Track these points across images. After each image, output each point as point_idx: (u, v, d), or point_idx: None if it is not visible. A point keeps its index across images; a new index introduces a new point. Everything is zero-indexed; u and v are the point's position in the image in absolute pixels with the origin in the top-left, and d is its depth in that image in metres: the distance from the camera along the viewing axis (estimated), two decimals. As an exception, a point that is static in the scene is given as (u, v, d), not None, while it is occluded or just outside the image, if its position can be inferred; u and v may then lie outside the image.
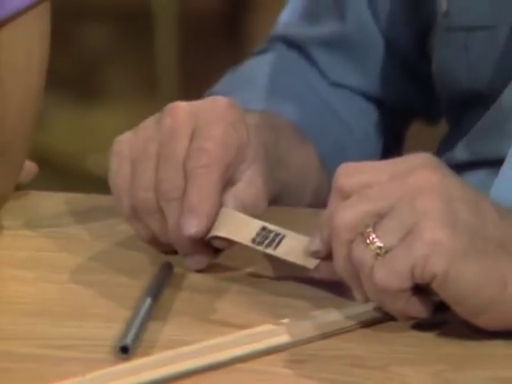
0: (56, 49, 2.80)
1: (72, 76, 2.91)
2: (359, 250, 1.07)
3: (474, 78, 1.32)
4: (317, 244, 1.11)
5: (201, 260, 1.21)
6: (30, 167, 1.34)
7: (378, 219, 1.07)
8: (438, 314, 1.09)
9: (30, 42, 1.25)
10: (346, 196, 1.09)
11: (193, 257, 1.20)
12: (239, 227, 1.18)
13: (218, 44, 2.81)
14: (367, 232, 1.06)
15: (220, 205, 1.19)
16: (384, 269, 1.05)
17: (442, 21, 1.33)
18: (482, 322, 1.06)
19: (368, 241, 1.06)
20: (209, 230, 1.18)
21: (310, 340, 1.10)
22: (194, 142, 1.19)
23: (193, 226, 1.17)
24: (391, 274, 1.05)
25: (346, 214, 1.08)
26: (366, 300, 1.10)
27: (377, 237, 1.06)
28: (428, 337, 1.09)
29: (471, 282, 1.04)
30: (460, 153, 1.34)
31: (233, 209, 1.20)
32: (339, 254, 1.09)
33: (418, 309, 1.08)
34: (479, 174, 1.31)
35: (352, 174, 1.11)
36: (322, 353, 1.10)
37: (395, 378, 1.07)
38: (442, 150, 1.40)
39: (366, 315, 1.12)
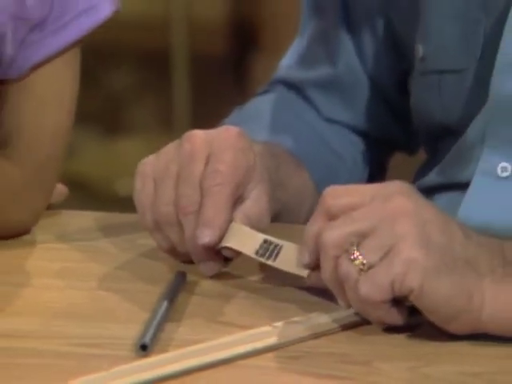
0: (87, 89, 2.80)
1: (101, 112, 2.91)
2: (345, 265, 1.06)
3: (446, 114, 1.31)
4: (306, 258, 1.11)
5: (213, 267, 1.20)
6: (61, 189, 1.33)
7: (361, 239, 1.06)
8: (413, 318, 1.09)
9: (62, 82, 1.24)
10: (332, 216, 1.09)
11: (206, 264, 1.20)
12: (245, 240, 1.18)
13: (226, 83, 2.80)
14: (352, 249, 1.06)
15: (231, 219, 1.19)
16: (368, 283, 1.05)
17: (419, 65, 1.33)
18: (452, 328, 1.06)
19: (353, 257, 1.06)
20: (220, 240, 1.18)
21: (302, 340, 1.10)
22: (209, 165, 1.19)
23: (207, 236, 1.16)
24: (374, 288, 1.05)
25: (333, 233, 1.08)
26: (349, 307, 1.10)
27: (360, 254, 1.06)
28: (405, 337, 1.09)
29: (442, 294, 1.04)
30: (434, 177, 1.34)
31: (241, 223, 1.20)
32: (327, 267, 1.09)
33: (394, 317, 1.08)
34: (450, 195, 1.31)
35: (338, 196, 1.10)
36: (314, 350, 1.10)
37: (377, 372, 1.06)
38: (419, 174, 1.40)
39: (348, 319, 1.12)
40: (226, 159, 1.19)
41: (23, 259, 1.25)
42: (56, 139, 1.27)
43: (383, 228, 1.06)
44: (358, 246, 1.06)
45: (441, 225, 1.07)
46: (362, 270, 1.06)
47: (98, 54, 2.63)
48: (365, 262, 1.05)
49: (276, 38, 2.76)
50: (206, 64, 2.72)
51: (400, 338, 1.09)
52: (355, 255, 1.06)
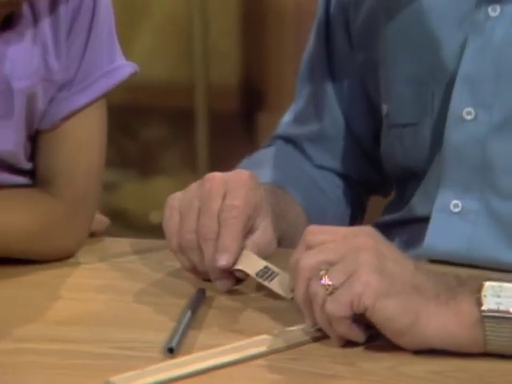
0: (128, 139, 2.81)
1: (138, 157, 2.93)
2: (315, 286, 1.06)
3: (408, 160, 1.30)
4: (290, 283, 1.10)
5: (227, 284, 1.19)
6: (103, 220, 1.32)
7: (330, 266, 1.05)
8: (369, 331, 1.08)
9: (91, 128, 1.23)
10: (310, 248, 1.09)
11: (221, 281, 1.19)
12: (251, 264, 1.17)
13: (238, 136, 2.81)
14: (321, 274, 1.05)
15: (243, 246, 1.18)
16: (332, 302, 1.04)
17: (385, 121, 1.32)
18: (402, 342, 1.05)
19: (322, 280, 1.05)
20: (234, 263, 1.17)
21: (298, 344, 1.10)
22: (225, 201, 1.17)
23: (224, 260, 1.16)
24: (337, 306, 1.04)
25: (308, 260, 1.07)
26: (314, 325, 1.09)
27: (328, 278, 1.05)
28: (384, 342, 1.08)
29: (391, 312, 1.03)
30: (401, 213, 1.33)
31: (251, 251, 1.18)
32: (299, 287, 1.08)
33: (354, 333, 1.07)
34: (414, 227, 1.28)
35: (316, 233, 1.09)
36: (309, 352, 1.09)
37: (360, 370, 1.06)
38: (388, 210, 1.39)
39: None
40: (239, 196, 1.18)
41: (69, 277, 1.24)
42: (90, 176, 1.25)
43: (348, 257, 1.05)
44: (326, 271, 1.05)
45: (395, 257, 1.07)
46: (327, 290, 1.05)
47: (136, 111, 2.65)
48: (330, 283, 1.05)
49: (278, 101, 2.77)
50: (222, 120, 2.73)
51: (379, 343, 1.08)
52: (324, 279, 1.05)
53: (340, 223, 1.37)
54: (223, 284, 1.19)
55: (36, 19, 1.18)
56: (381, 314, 1.04)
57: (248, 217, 1.18)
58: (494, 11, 1.18)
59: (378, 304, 1.03)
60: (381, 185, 1.43)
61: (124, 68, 1.24)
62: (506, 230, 1.21)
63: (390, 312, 1.04)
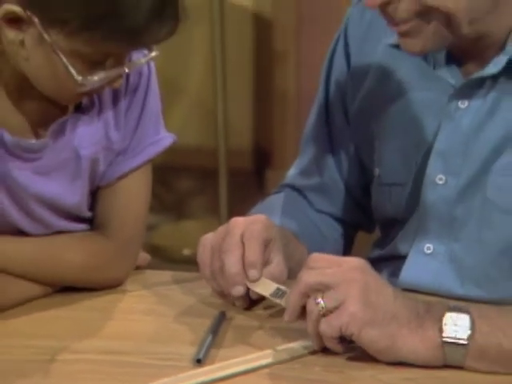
0: (164, 191, 2.80)
1: (173, 204, 2.90)
2: (311, 304, 1.05)
3: (394, 211, 1.28)
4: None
5: (244, 304, 1.17)
6: (145, 256, 1.31)
7: (325, 289, 1.04)
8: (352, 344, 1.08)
9: (139, 184, 1.23)
10: (311, 269, 1.08)
11: (241, 302, 1.17)
12: (266, 287, 1.15)
13: (251, 187, 2.81)
14: (317, 294, 1.04)
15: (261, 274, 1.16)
16: (325, 324, 1.04)
17: (376, 180, 1.31)
18: (382, 358, 1.05)
19: (317, 300, 1.04)
20: (260, 275, 1.15)
21: (298, 357, 1.09)
22: (245, 233, 1.15)
23: (254, 276, 1.13)
24: (329, 328, 1.04)
25: (308, 278, 1.06)
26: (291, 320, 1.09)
27: (322, 299, 1.04)
28: (367, 354, 1.06)
29: (372, 338, 1.03)
30: (386, 251, 1.31)
31: (267, 278, 1.15)
32: (294, 295, 1.08)
33: (338, 348, 1.07)
34: (395, 263, 1.26)
35: (318, 260, 1.09)
36: (306, 362, 1.08)
37: (348, 377, 1.05)
38: (376, 247, 1.37)
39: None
40: (258, 224, 1.17)
41: (119, 302, 1.22)
42: (137, 222, 1.24)
43: (340, 287, 1.04)
44: (323, 293, 1.04)
45: (378, 289, 1.05)
46: (320, 311, 1.04)
47: (172, 169, 2.64)
48: (324, 306, 1.04)
49: (282, 162, 2.77)
50: (239, 176, 2.74)
51: (363, 355, 1.06)
52: (318, 300, 1.04)
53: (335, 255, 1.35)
54: (241, 303, 1.17)
55: (100, 101, 1.18)
56: (364, 339, 1.04)
57: (265, 241, 1.16)
58: (462, 104, 1.18)
59: (363, 332, 1.03)
60: (367, 225, 1.41)
61: (166, 138, 1.23)
62: (461, 271, 1.20)
63: (371, 338, 1.04)
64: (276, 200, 1.37)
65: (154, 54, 1.11)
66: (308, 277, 1.06)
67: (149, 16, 1.03)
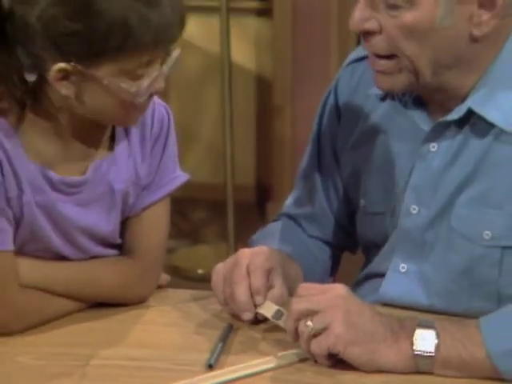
0: (180, 220, 2.79)
1: (189, 231, 2.88)
2: (302, 326, 1.05)
3: (376, 236, 1.27)
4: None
5: (250, 317, 1.13)
6: (165, 277, 1.29)
7: (313, 313, 1.04)
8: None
9: (160, 214, 1.22)
10: (300, 298, 1.08)
11: (246, 315, 1.13)
12: (269, 309, 1.13)
13: (254, 216, 2.79)
14: (307, 318, 1.04)
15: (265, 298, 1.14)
16: (315, 344, 1.04)
17: (361, 210, 1.29)
18: (364, 369, 1.04)
19: (307, 323, 1.04)
20: (265, 299, 1.13)
21: (295, 363, 1.08)
22: (253, 266, 1.13)
23: (259, 301, 1.12)
24: (318, 348, 1.04)
25: (298, 306, 1.06)
26: (295, 340, 1.08)
27: (311, 322, 1.04)
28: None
29: (355, 354, 1.03)
30: (368, 270, 1.29)
31: (270, 300, 1.13)
32: (289, 322, 1.07)
33: (326, 362, 1.05)
34: (376, 280, 1.24)
35: (305, 289, 1.08)
36: (302, 368, 1.07)
37: (338, 381, 1.04)
38: (361, 269, 1.34)
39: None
40: (261, 256, 1.15)
41: (143, 316, 1.20)
42: (159, 248, 1.23)
43: (326, 312, 1.04)
44: (311, 317, 1.04)
45: (358, 312, 1.05)
46: (310, 332, 1.04)
47: (188, 201, 2.64)
48: (313, 327, 1.04)
49: (280, 196, 2.76)
50: (244, 208, 2.72)
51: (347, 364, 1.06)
52: (308, 323, 1.04)
53: (324, 274, 1.34)
54: (247, 317, 1.14)
55: (130, 145, 1.17)
56: (349, 356, 1.04)
57: (267, 270, 1.14)
58: (433, 148, 1.17)
59: (347, 350, 1.03)
60: (351, 246, 1.38)
61: (182, 176, 1.22)
62: (428, 287, 1.18)
63: (355, 354, 1.03)
64: (274, 227, 1.35)
65: (176, 52, 1.09)
66: (298, 304, 1.06)
67: (160, 27, 1.03)
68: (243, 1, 2.67)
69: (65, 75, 1.04)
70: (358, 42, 1.23)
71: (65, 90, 1.05)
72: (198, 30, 2.72)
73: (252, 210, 2.85)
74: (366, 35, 1.10)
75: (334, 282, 1.30)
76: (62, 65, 1.03)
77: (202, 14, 2.67)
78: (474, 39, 1.09)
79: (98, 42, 1.02)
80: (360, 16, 1.08)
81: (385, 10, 1.07)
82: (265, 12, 2.71)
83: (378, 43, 1.10)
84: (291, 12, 2.58)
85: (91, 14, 1.00)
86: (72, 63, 1.03)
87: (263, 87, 2.83)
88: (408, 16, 1.06)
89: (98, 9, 1.00)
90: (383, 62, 1.11)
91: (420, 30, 1.07)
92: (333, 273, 1.37)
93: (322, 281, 1.21)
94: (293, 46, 2.63)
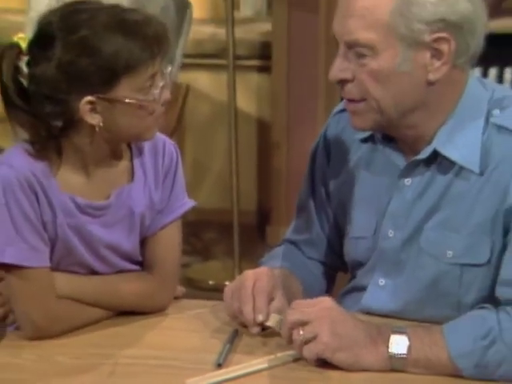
0: (192, 238, 2.75)
1: (200, 249, 2.83)
2: (296, 335, 1.04)
3: (358, 256, 1.24)
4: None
5: (258, 330, 1.11)
6: (181, 289, 1.26)
7: (303, 324, 1.03)
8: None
9: (174, 234, 1.20)
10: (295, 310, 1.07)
11: (254, 329, 1.11)
12: (272, 319, 1.10)
13: (257, 240, 2.75)
14: (299, 328, 1.03)
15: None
16: (307, 351, 1.03)
17: (347, 235, 1.26)
18: (349, 369, 1.03)
19: (300, 332, 1.03)
20: (267, 319, 1.10)
21: (289, 362, 1.07)
22: (256, 283, 1.12)
23: (261, 317, 1.10)
24: (310, 354, 1.03)
25: (291, 317, 1.05)
26: (290, 343, 1.06)
27: (303, 331, 1.03)
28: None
29: (342, 358, 1.03)
30: (353, 284, 1.27)
31: (273, 311, 1.11)
32: (284, 331, 1.06)
33: (316, 364, 1.04)
34: (359, 293, 1.22)
35: (298, 304, 1.07)
36: (296, 368, 1.05)
37: (326, 376, 1.03)
38: (347, 283, 1.31)
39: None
40: (264, 278, 1.13)
41: (162, 322, 1.18)
42: (174, 263, 1.20)
43: (315, 322, 1.03)
44: (302, 326, 1.03)
45: (342, 321, 1.04)
46: (302, 340, 1.03)
47: (199, 225, 2.61)
48: (304, 336, 1.03)
49: (278, 221, 2.75)
50: (247, 231, 2.69)
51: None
52: (301, 332, 1.03)
53: (321, 289, 1.30)
54: (255, 331, 1.12)
55: (146, 177, 1.16)
56: (336, 360, 1.03)
57: (270, 292, 1.12)
58: (407, 182, 1.15)
59: (334, 356, 1.03)
60: (343, 267, 1.33)
61: (189, 203, 1.21)
62: (401, 298, 1.17)
63: (340, 359, 1.03)
64: (278, 250, 1.33)
65: (169, 68, 1.10)
66: (291, 316, 1.05)
67: (153, 44, 1.05)
68: (246, 60, 2.69)
69: (92, 107, 1.05)
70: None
71: (94, 119, 1.06)
72: (209, 83, 2.74)
73: (254, 232, 2.82)
74: (341, 83, 1.10)
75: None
76: (87, 98, 1.04)
77: (214, 70, 2.69)
78: (430, 83, 1.07)
79: (109, 68, 1.03)
80: (337, 68, 1.09)
81: (356, 60, 1.07)
82: (265, 69, 2.73)
83: (351, 90, 1.09)
84: (286, 69, 2.61)
85: (98, 48, 1.02)
86: (95, 94, 1.04)
87: (263, 129, 2.83)
88: (373, 63, 1.06)
89: (101, 43, 1.03)
90: (355, 105, 1.11)
91: (383, 75, 1.06)
92: (328, 290, 1.34)
93: (319, 295, 1.16)
94: (287, 96, 2.65)
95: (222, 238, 2.73)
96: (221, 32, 2.50)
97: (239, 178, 2.49)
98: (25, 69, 1.07)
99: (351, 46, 1.07)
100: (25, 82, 1.07)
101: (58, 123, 1.08)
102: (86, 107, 1.05)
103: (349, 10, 1.06)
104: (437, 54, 1.06)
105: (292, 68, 2.61)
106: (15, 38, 1.06)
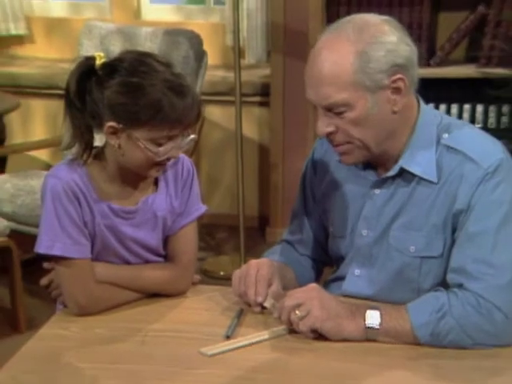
0: (208, 238, 2.71)
1: (214, 246, 2.78)
2: (293, 315, 1.02)
3: (340, 252, 1.21)
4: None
5: (259, 310, 1.09)
6: (197, 277, 1.22)
7: (298, 305, 1.02)
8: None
9: (191, 233, 1.17)
10: (289, 298, 1.05)
11: (256, 309, 1.09)
12: (269, 302, 1.09)
13: (258, 239, 2.70)
14: (295, 309, 1.02)
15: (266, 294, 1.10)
16: (302, 325, 1.02)
17: (331, 234, 1.24)
18: (332, 338, 1.02)
19: (296, 312, 1.02)
20: (264, 301, 1.08)
21: (284, 334, 1.04)
22: (258, 272, 1.10)
23: (260, 299, 1.08)
24: (304, 327, 1.02)
25: (288, 303, 1.04)
26: (288, 328, 1.04)
27: (298, 311, 1.02)
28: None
29: (329, 328, 1.02)
30: (335, 274, 1.24)
31: (270, 295, 1.09)
32: (284, 314, 1.04)
33: (310, 336, 1.02)
34: (340, 282, 1.19)
35: (292, 293, 1.05)
36: (288, 338, 1.03)
37: (315, 346, 0.99)
38: (332, 273, 1.28)
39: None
40: (265, 267, 1.11)
41: (183, 302, 1.15)
42: (191, 256, 1.17)
43: (307, 303, 1.02)
44: (298, 307, 1.02)
45: (327, 300, 1.04)
46: (297, 317, 1.01)
47: (213, 226, 2.58)
48: (299, 315, 1.02)
49: (276, 223, 2.71)
50: (251, 231, 2.65)
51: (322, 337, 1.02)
52: (296, 312, 1.02)
53: (310, 280, 1.24)
54: (257, 310, 1.09)
55: (167, 186, 1.14)
56: (324, 330, 1.01)
57: (269, 279, 1.10)
58: (377, 192, 1.14)
59: (323, 326, 1.01)
60: (329, 261, 1.30)
61: (203, 207, 1.18)
62: (374, 285, 1.14)
63: (328, 329, 1.01)
64: (277, 248, 1.30)
65: (193, 136, 1.07)
66: (288, 302, 1.04)
67: (184, 109, 1.02)
68: (250, 97, 2.68)
69: (113, 131, 1.04)
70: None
71: (113, 141, 1.05)
72: (221, 115, 2.74)
73: (256, 233, 2.78)
74: (328, 136, 1.09)
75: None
76: (112, 123, 1.03)
77: (224, 105, 2.68)
78: (394, 113, 1.07)
79: (138, 112, 1.01)
80: (322, 125, 1.08)
81: (335, 116, 1.06)
82: (265, 104, 2.72)
83: (337, 138, 1.08)
84: (282, 104, 2.61)
85: (138, 94, 1.01)
86: (119, 124, 1.02)
87: (263, 152, 2.81)
88: (351, 114, 1.05)
89: (142, 91, 1.00)
90: (342, 147, 1.10)
91: (360, 120, 1.05)
92: (316, 280, 1.30)
93: (309, 283, 1.13)
94: (283, 126, 2.64)
95: (231, 237, 2.69)
96: (230, 75, 2.51)
97: (244, 190, 2.47)
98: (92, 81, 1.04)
99: (329, 108, 1.05)
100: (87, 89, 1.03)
101: (101, 139, 1.06)
102: (109, 129, 1.03)
103: (319, 80, 1.04)
104: (395, 90, 1.06)
105: (287, 103, 2.61)
106: (95, 54, 1.04)
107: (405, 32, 1.07)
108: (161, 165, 1.08)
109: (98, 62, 1.04)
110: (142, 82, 1.01)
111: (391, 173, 1.11)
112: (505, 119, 2.32)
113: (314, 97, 1.06)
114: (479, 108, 2.36)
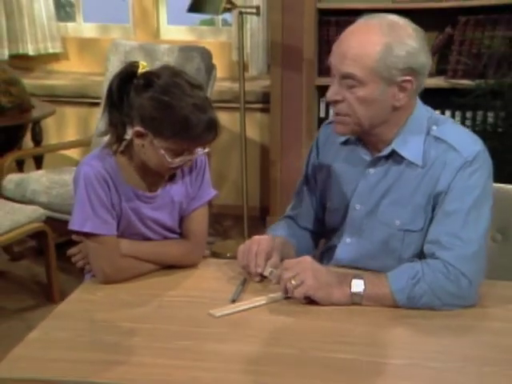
0: (217, 226, 2.68)
1: (222, 232, 2.77)
2: (289, 284, 1.02)
3: (334, 223, 1.21)
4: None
5: (259, 279, 1.09)
6: (207, 252, 1.22)
7: (293, 275, 1.01)
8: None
9: (203, 214, 1.16)
10: (286, 269, 1.04)
11: (256, 278, 1.09)
12: (267, 271, 1.08)
13: (259, 223, 2.69)
14: (291, 279, 1.01)
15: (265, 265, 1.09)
16: (297, 292, 1.01)
17: (328, 208, 1.22)
18: (323, 304, 1.01)
19: (292, 282, 1.01)
20: (263, 271, 1.08)
21: (281, 300, 1.03)
22: (259, 246, 1.10)
23: (259, 269, 1.08)
24: (299, 294, 1.01)
25: (286, 275, 1.03)
26: (285, 295, 1.03)
27: (294, 280, 1.01)
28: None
29: (321, 296, 1.01)
30: (327, 244, 1.23)
31: (268, 266, 1.09)
32: (282, 283, 1.03)
33: (304, 301, 1.01)
34: (332, 250, 1.18)
35: (288, 263, 1.05)
36: (285, 303, 1.01)
37: (308, 309, 0.98)
38: (325, 243, 1.26)
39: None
40: (266, 242, 1.11)
41: (195, 272, 1.14)
42: (203, 233, 1.15)
43: (301, 273, 1.02)
44: (293, 277, 1.01)
45: (319, 270, 1.03)
46: (293, 286, 1.01)
47: (222, 215, 2.56)
48: (294, 284, 1.01)
49: (275, 212, 2.69)
50: (253, 219, 2.64)
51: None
52: (292, 281, 1.01)
53: (308, 251, 1.23)
54: (257, 279, 1.09)
55: (183, 174, 1.14)
56: (316, 296, 1.01)
57: (269, 251, 1.10)
58: (371, 171, 1.13)
59: (316, 293, 1.00)
60: (325, 233, 1.27)
61: (213, 192, 1.18)
62: (362, 253, 1.13)
63: (319, 295, 1.01)
64: (280, 223, 1.28)
65: (207, 149, 1.07)
66: (285, 274, 1.03)
67: (204, 130, 1.01)
68: (253, 104, 2.69)
69: (139, 134, 1.04)
70: (318, 127, 1.18)
71: (137, 141, 1.04)
72: (227, 119, 2.73)
73: (258, 221, 2.77)
74: (334, 103, 1.08)
75: (314, 256, 1.19)
76: (140, 128, 1.03)
77: (230, 111, 2.68)
78: (394, 109, 1.06)
79: (163, 127, 1.00)
80: (332, 92, 1.07)
81: (347, 89, 1.05)
82: (265, 110, 2.73)
83: (341, 107, 1.07)
84: (280, 110, 2.61)
85: (166, 111, 1.00)
86: (146, 130, 1.02)
87: (264, 151, 2.81)
88: (360, 92, 1.04)
89: (171, 110, 0.99)
90: (341, 117, 1.09)
91: (366, 101, 1.04)
92: (313, 251, 1.29)
93: (307, 254, 1.12)
94: (281, 129, 2.64)
95: (236, 225, 2.69)
96: (235, 86, 2.52)
97: (247, 184, 2.48)
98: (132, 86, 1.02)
99: (345, 77, 1.04)
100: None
101: (130, 133, 1.06)
102: (136, 132, 1.03)
103: (346, 52, 1.03)
104: (402, 89, 1.05)
105: (284, 110, 2.62)
106: (140, 62, 1.03)
107: (426, 45, 1.05)
108: (175, 168, 1.08)
109: (140, 70, 1.02)
110: (171, 101, 0.99)
111: (384, 153, 1.11)
112: (468, 123, 2.37)
113: (335, 63, 1.05)
114: (447, 113, 2.40)
